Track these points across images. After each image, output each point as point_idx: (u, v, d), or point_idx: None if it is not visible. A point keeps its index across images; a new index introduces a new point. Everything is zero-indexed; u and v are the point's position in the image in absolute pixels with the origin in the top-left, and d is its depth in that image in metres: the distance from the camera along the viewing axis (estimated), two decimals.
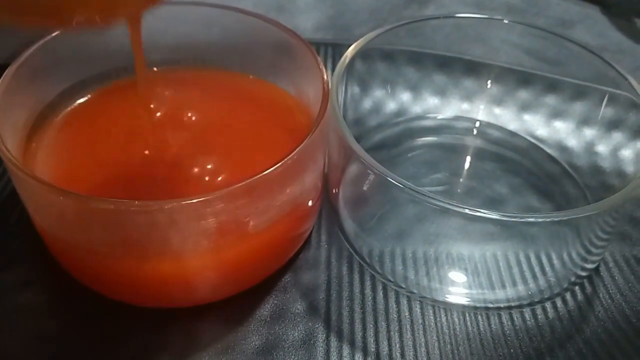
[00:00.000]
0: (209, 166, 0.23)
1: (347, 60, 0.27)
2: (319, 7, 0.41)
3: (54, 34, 0.25)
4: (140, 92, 0.25)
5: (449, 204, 0.21)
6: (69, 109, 0.26)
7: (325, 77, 0.24)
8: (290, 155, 0.21)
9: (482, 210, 0.21)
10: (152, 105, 0.26)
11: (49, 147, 0.24)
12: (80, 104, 0.27)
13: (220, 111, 0.27)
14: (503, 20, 0.30)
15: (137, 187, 0.23)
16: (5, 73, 0.23)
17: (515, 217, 0.21)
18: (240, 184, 0.19)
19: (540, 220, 0.21)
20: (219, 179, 0.23)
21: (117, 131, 0.25)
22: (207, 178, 0.23)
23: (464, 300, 0.24)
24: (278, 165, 0.20)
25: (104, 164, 0.24)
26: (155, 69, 0.28)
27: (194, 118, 0.26)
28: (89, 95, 0.27)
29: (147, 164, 0.24)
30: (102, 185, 0.23)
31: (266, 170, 0.20)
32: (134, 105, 0.25)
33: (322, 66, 0.24)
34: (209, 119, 0.26)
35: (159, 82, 0.28)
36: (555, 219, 0.21)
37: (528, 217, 0.21)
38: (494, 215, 0.21)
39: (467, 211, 0.21)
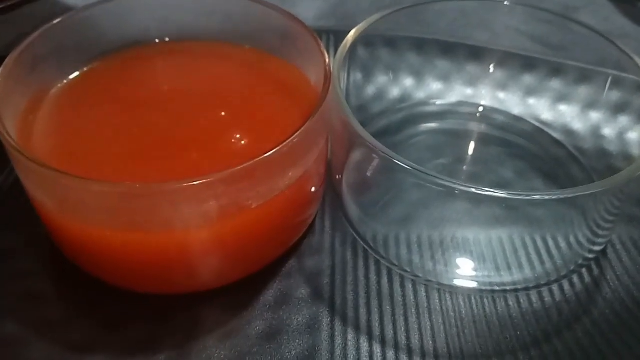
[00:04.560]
0: (209, 144, 0.23)
1: (349, 44, 0.27)
2: None
3: (54, 22, 0.25)
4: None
5: (454, 183, 0.21)
6: (64, 82, 0.26)
7: (327, 60, 0.24)
8: (291, 138, 0.20)
9: (488, 190, 0.21)
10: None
11: (45, 124, 0.24)
12: (76, 77, 0.26)
13: (222, 84, 0.27)
14: (504, 2, 0.30)
15: (136, 164, 0.22)
16: (5, 61, 0.23)
17: (520, 195, 0.21)
18: (240, 166, 0.19)
19: (546, 198, 0.21)
20: (221, 157, 0.23)
21: (117, 105, 0.25)
22: (205, 158, 0.23)
23: (469, 284, 0.24)
24: (279, 147, 0.20)
25: (109, 138, 0.24)
26: (156, 40, 0.28)
27: (193, 92, 0.26)
28: (85, 69, 0.27)
29: (145, 138, 0.23)
30: (105, 161, 0.22)
31: (267, 152, 0.20)
32: (133, 78, 0.25)
33: (323, 49, 0.24)
34: (210, 93, 0.26)
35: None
36: (561, 197, 0.21)
37: (534, 195, 0.21)
38: (499, 194, 0.21)
39: (473, 190, 0.21)
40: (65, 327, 0.22)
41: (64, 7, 0.38)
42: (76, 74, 0.26)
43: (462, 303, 0.24)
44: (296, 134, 0.21)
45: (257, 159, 0.20)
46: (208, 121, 0.24)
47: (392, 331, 0.23)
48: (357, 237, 0.26)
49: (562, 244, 0.25)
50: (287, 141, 0.20)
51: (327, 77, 0.23)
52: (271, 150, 0.20)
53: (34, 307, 0.23)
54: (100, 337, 0.22)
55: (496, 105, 0.32)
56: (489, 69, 0.32)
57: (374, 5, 0.41)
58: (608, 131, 0.30)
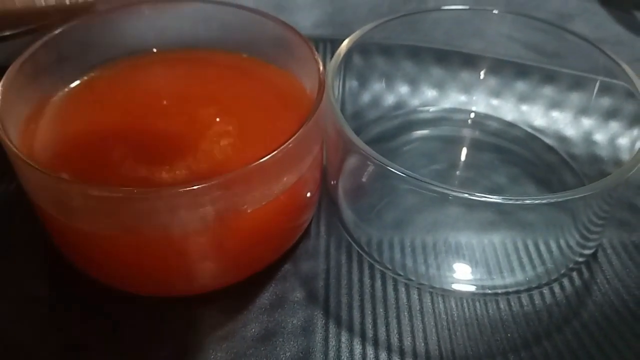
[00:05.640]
0: (205, 150, 0.24)
1: (343, 53, 0.27)
2: (318, 4, 0.42)
3: (55, 32, 0.26)
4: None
5: (448, 189, 0.21)
6: (65, 91, 0.26)
7: (321, 68, 0.24)
8: (286, 144, 0.21)
9: (479, 195, 0.21)
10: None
11: (46, 131, 0.25)
12: (76, 85, 0.27)
13: (219, 92, 0.27)
14: (498, 11, 0.31)
15: (134, 170, 0.23)
16: (8, 70, 0.23)
17: (511, 199, 0.21)
18: (236, 172, 0.20)
19: (536, 202, 0.22)
20: (217, 162, 0.23)
21: (116, 112, 0.26)
22: (202, 164, 0.23)
23: (462, 287, 0.24)
24: (274, 153, 0.20)
25: (108, 145, 0.24)
26: (154, 49, 0.29)
27: (191, 100, 0.26)
28: (86, 77, 0.27)
29: (143, 145, 0.24)
30: (105, 167, 0.23)
31: (262, 158, 0.20)
32: (132, 86, 0.25)
33: (317, 57, 0.25)
34: (208, 100, 0.26)
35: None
36: (551, 200, 0.21)
37: (525, 199, 0.21)
38: (491, 199, 0.21)
39: (466, 196, 0.21)
40: (63, 329, 0.23)
41: None
42: (77, 82, 0.27)
43: (454, 306, 0.24)
44: (290, 140, 0.21)
45: (253, 165, 0.20)
46: (205, 128, 0.25)
47: (384, 333, 0.23)
48: (352, 242, 0.26)
49: (554, 248, 0.25)
50: (282, 147, 0.21)
51: (321, 84, 0.24)
52: (266, 155, 0.20)
53: (33, 309, 0.24)
54: (98, 339, 0.23)
55: (490, 112, 0.33)
56: (483, 76, 0.33)
57: (372, 14, 0.42)
58: (599, 137, 0.30)
